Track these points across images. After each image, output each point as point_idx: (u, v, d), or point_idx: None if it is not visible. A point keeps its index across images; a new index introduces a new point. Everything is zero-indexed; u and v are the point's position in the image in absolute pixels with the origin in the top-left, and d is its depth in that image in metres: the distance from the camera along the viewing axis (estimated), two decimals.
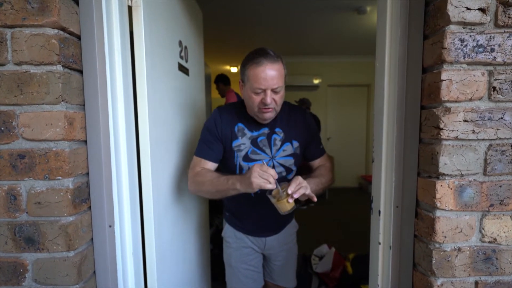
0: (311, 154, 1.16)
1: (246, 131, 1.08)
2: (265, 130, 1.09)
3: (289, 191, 0.88)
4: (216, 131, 1.07)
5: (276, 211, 0.97)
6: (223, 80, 3.54)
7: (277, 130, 1.09)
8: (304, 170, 1.17)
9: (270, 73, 0.94)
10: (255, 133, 1.08)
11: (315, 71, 4.98)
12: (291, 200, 0.90)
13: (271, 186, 0.87)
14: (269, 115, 1.01)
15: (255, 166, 0.89)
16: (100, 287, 0.80)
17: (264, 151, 1.08)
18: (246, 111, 1.08)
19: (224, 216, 1.28)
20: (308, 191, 0.90)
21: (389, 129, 0.80)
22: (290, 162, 1.11)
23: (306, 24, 3.43)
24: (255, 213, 1.15)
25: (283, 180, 1.06)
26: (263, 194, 1.00)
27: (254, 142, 1.08)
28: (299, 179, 0.91)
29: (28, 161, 0.68)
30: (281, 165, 1.10)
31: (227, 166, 1.11)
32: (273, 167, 1.08)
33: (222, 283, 2.17)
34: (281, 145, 1.09)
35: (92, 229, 0.78)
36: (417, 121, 0.75)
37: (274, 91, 0.97)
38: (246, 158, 1.08)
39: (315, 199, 0.94)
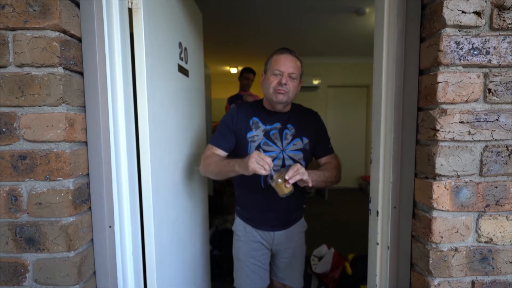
0: (319, 151, 1.25)
1: (260, 124, 1.20)
2: (278, 125, 1.20)
3: (286, 177, 0.98)
4: (232, 124, 1.20)
5: (284, 204, 1.13)
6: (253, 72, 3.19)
7: (289, 126, 1.21)
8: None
9: (289, 61, 1.13)
10: (268, 127, 1.20)
11: (315, 72, 4.99)
12: (288, 185, 0.99)
13: (264, 172, 0.95)
14: (282, 97, 1.13)
15: (254, 153, 0.98)
16: (100, 287, 0.80)
17: (275, 144, 1.19)
18: (262, 106, 1.24)
19: (235, 210, 1.35)
20: (305, 177, 1.00)
21: (386, 130, 0.81)
22: (299, 156, 1.20)
23: (305, 25, 3.44)
24: (264, 203, 1.22)
25: None
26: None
27: (266, 134, 1.19)
28: (297, 166, 1.01)
29: (29, 162, 0.68)
30: (291, 158, 1.19)
31: (240, 155, 1.17)
32: (283, 159, 1.18)
33: (222, 283, 2.19)
34: (292, 140, 1.20)
35: (92, 229, 0.79)
36: (414, 123, 0.76)
37: (290, 76, 1.13)
38: (259, 148, 1.18)
39: (310, 185, 1.03)
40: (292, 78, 1.13)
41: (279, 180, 1.00)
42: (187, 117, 1.38)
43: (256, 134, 1.19)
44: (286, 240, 1.28)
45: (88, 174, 0.77)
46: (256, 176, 1.17)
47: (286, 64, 1.12)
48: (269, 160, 0.97)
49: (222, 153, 1.19)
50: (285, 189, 1.00)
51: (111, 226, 0.81)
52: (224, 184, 4.38)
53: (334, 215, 3.81)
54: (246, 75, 3.12)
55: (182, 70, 1.31)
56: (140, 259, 0.91)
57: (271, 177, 1.02)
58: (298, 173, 0.98)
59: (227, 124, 1.21)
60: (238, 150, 1.21)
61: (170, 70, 1.18)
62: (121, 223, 0.84)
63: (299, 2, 2.79)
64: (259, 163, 0.95)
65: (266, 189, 1.18)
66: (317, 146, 1.25)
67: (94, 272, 0.80)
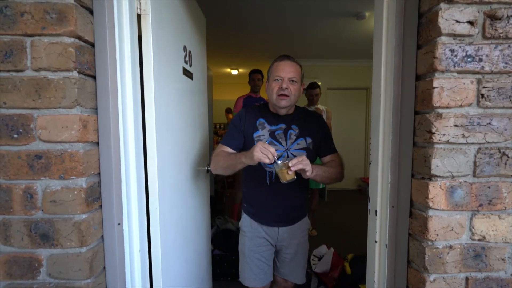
0: (323, 151, 1.33)
1: (266, 124, 1.28)
2: (282, 126, 1.28)
3: (290, 165, 1.04)
4: (240, 125, 1.28)
5: (289, 201, 1.25)
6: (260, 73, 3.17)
7: (293, 126, 1.28)
8: None
9: (289, 66, 1.20)
10: (274, 127, 1.28)
11: (315, 74, 5.03)
12: (290, 172, 1.05)
13: (268, 161, 1.02)
14: (285, 102, 1.21)
15: (258, 143, 1.05)
16: (109, 281, 0.83)
17: (280, 143, 1.26)
18: (268, 109, 1.31)
19: (242, 207, 1.41)
20: (307, 168, 1.06)
21: (385, 133, 0.84)
22: (303, 154, 1.23)
23: (306, 29, 3.48)
24: (270, 200, 1.29)
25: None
26: (277, 182, 1.14)
27: (272, 134, 1.27)
28: (302, 157, 1.07)
29: (45, 162, 0.72)
30: (295, 156, 1.24)
31: None
32: (287, 157, 1.25)
33: (222, 282, 2.21)
34: (296, 139, 1.28)
35: (103, 226, 0.82)
36: (411, 126, 0.80)
37: (290, 80, 1.19)
38: None
39: (308, 174, 1.09)
40: (293, 82, 1.20)
41: (283, 167, 1.06)
42: (191, 119, 1.42)
43: (262, 133, 1.27)
44: (290, 237, 1.33)
45: (99, 173, 0.81)
46: (262, 174, 1.26)
47: (286, 70, 1.20)
48: (272, 149, 1.03)
49: (231, 151, 1.27)
50: (287, 176, 1.06)
51: (120, 224, 0.84)
52: (224, 185, 4.41)
53: (333, 216, 3.84)
54: (253, 76, 3.18)
55: (187, 73, 1.35)
56: (146, 256, 0.94)
57: (276, 163, 1.09)
58: (301, 163, 1.05)
59: (236, 125, 1.29)
60: (246, 149, 1.28)
61: (176, 73, 1.21)
62: (129, 221, 0.87)
63: (301, 6, 2.83)
64: (263, 152, 1.02)
65: (272, 186, 1.26)
66: (321, 146, 1.32)
67: (104, 267, 0.83)
